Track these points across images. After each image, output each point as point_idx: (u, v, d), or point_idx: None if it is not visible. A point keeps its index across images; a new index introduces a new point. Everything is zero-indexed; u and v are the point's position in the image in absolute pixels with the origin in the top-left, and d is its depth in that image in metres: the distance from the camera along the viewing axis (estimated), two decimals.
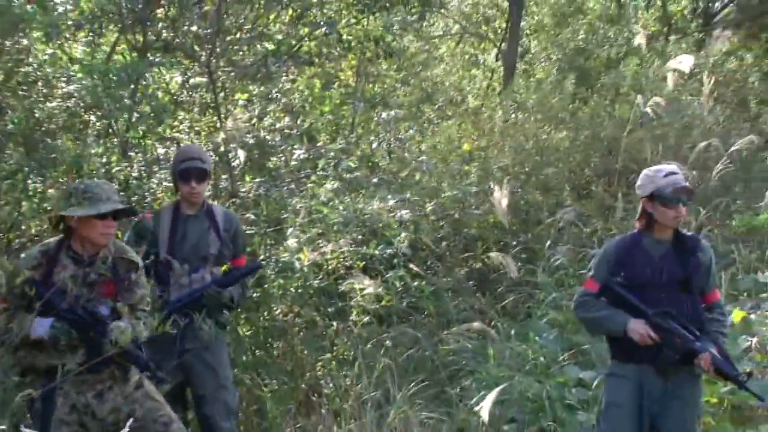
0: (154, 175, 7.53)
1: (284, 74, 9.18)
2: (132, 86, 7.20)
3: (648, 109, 8.47)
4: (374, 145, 11.07)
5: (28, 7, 6.36)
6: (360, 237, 7.99)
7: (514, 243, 8.75)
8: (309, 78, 10.11)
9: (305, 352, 7.20)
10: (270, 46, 9.10)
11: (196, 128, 8.33)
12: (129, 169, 7.34)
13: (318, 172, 8.46)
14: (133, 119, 7.59)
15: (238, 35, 8.78)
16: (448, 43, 17.54)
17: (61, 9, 7.13)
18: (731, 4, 17.52)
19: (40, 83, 6.90)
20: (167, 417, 4.53)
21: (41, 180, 6.83)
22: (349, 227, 7.83)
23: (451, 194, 9.31)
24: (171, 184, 5.87)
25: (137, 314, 4.41)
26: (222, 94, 8.47)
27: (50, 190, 6.90)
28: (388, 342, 6.99)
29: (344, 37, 10.15)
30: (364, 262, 7.76)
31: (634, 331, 4.46)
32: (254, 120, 8.36)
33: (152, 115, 7.51)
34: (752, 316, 6.12)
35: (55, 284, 4.23)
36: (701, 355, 4.35)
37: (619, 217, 8.05)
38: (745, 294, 6.95)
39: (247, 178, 8.20)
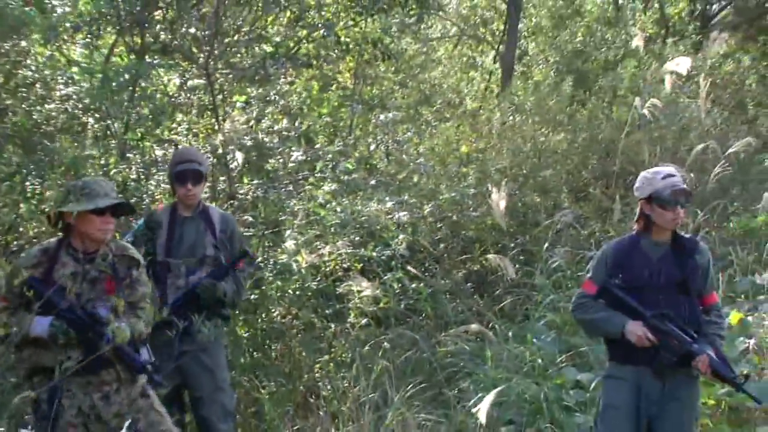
0: (152, 176, 7.53)
1: (282, 76, 9.20)
2: (130, 88, 7.21)
3: (645, 111, 8.48)
4: (372, 147, 11.07)
5: (27, 9, 6.36)
6: (358, 239, 8.00)
7: (512, 245, 8.76)
8: (307, 80, 10.13)
9: (303, 354, 7.20)
10: (268, 49, 9.11)
11: (194, 130, 8.34)
12: (127, 170, 7.34)
13: (316, 174, 8.46)
14: (131, 121, 7.59)
15: (236, 37, 8.79)
16: (446, 46, 17.56)
17: (59, 11, 7.13)
18: (729, 7, 17.56)
19: (38, 85, 6.90)
20: None
21: (39, 182, 6.83)
22: (347, 229, 7.84)
23: (449, 196, 9.32)
24: (169, 186, 5.87)
25: (137, 312, 4.40)
26: (220, 96, 8.47)
27: (48, 192, 6.91)
28: (386, 344, 6.99)
29: (342, 39, 10.16)
30: (362, 264, 7.76)
31: (632, 333, 4.47)
32: (252, 122, 8.37)
33: (150, 117, 7.51)
34: (749, 318, 6.14)
35: (56, 282, 4.23)
36: (698, 357, 4.35)
37: (616, 219, 8.06)
38: (743, 296, 6.96)
39: (245, 180, 8.20)
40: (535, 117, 10.86)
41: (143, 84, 7.49)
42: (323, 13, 9.68)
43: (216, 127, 8.12)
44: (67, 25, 7.19)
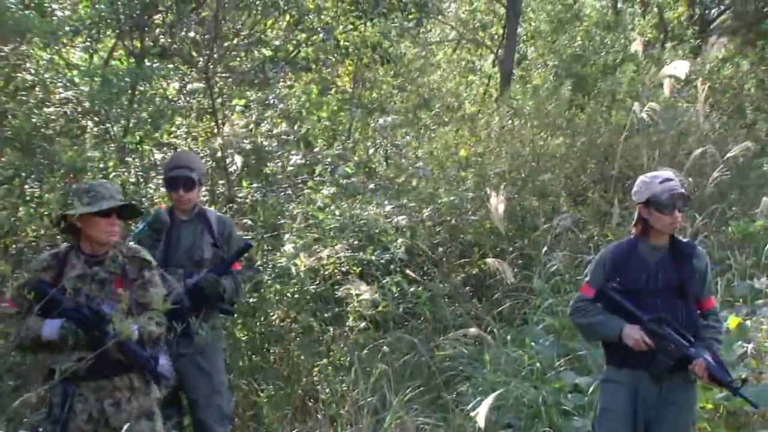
0: (151, 180, 7.54)
1: (281, 80, 9.20)
2: (129, 92, 7.22)
3: (644, 115, 8.49)
4: (371, 151, 11.08)
5: (27, 12, 6.37)
6: (357, 242, 8.00)
7: (511, 249, 8.76)
8: (306, 84, 10.13)
9: (302, 357, 7.20)
10: (267, 52, 9.12)
11: (194, 134, 8.34)
12: (126, 174, 7.35)
13: (315, 178, 8.47)
14: (131, 125, 7.60)
15: (235, 41, 8.80)
16: (445, 50, 17.56)
17: (59, 15, 7.14)
18: (727, 12, 17.58)
19: (37, 88, 6.91)
20: None
21: (39, 185, 6.84)
22: (346, 233, 7.85)
23: (448, 200, 9.32)
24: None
25: (149, 314, 4.40)
26: (219, 100, 8.48)
27: (47, 195, 6.91)
28: (384, 347, 6.99)
29: (341, 43, 10.17)
30: (360, 268, 7.76)
31: (629, 336, 4.47)
32: (251, 126, 8.37)
33: (149, 120, 7.52)
34: (748, 323, 6.14)
35: (65, 285, 4.26)
36: (695, 361, 4.36)
37: (615, 223, 8.06)
38: (741, 300, 6.96)
39: (244, 184, 8.21)
40: (534, 121, 10.86)
41: (142, 88, 7.50)
42: (322, 17, 9.69)
43: (215, 131, 8.13)
44: (67, 28, 7.19)
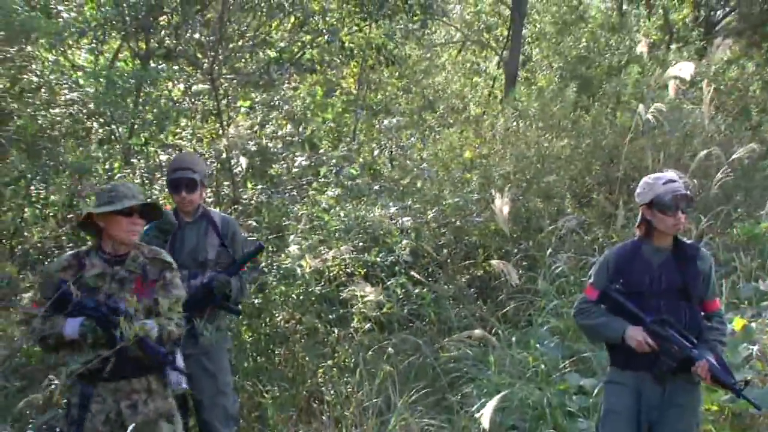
0: (157, 181, 7.55)
1: (286, 82, 9.21)
2: (134, 93, 7.23)
3: (650, 116, 8.48)
4: (376, 153, 11.08)
5: (33, 14, 6.39)
6: (361, 244, 8.01)
7: (515, 250, 8.76)
8: (311, 85, 10.14)
9: (306, 358, 7.21)
10: (272, 54, 9.13)
11: (199, 135, 8.35)
12: (131, 175, 7.36)
13: (320, 180, 8.48)
14: (136, 126, 7.61)
15: (240, 43, 8.81)
16: (449, 51, 17.58)
17: (65, 16, 7.16)
18: (733, 13, 17.57)
19: (43, 90, 6.92)
20: None
21: (44, 186, 6.86)
22: (351, 234, 7.85)
23: (453, 202, 9.32)
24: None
25: (169, 315, 4.42)
26: (224, 102, 8.49)
27: (53, 196, 6.93)
28: (389, 349, 6.99)
29: (346, 44, 10.19)
30: (365, 269, 7.77)
31: (632, 338, 4.47)
32: (256, 127, 8.38)
33: (155, 122, 7.53)
34: (753, 325, 6.13)
35: (85, 284, 4.30)
36: (698, 362, 4.35)
37: (620, 225, 8.06)
38: (746, 302, 6.96)
39: (249, 185, 8.22)
40: (539, 123, 10.86)
41: (148, 89, 7.51)
42: (327, 18, 9.70)
43: (220, 132, 8.14)
44: (73, 30, 7.21)
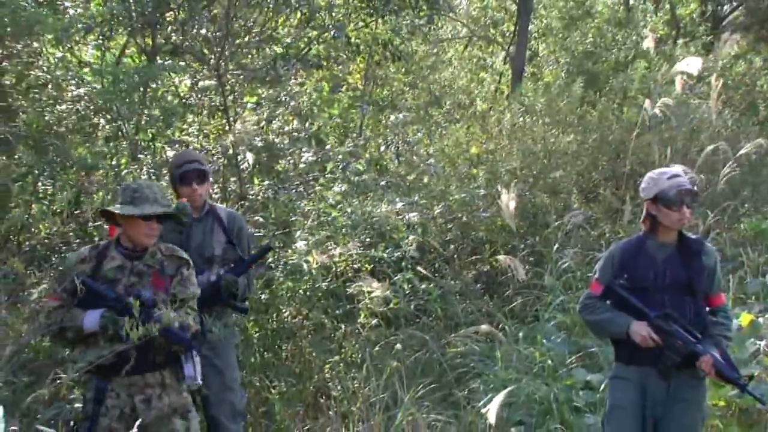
0: (163, 177, 7.55)
1: (293, 77, 9.21)
2: (141, 89, 7.23)
3: (657, 111, 8.47)
4: (382, 148, 11.09)
5: (40, 10, 6.39)
6: (368, 240, 8.01)
7: (522, 246, 8.76)
8: (317, 81, 10.14)
9: (313, 354, 7.22)
10: (279, 50, 9.13)
11: (205, 131, 8.36)
12: (138, 171, 7.36)
13: (326, 175, 8.47)
14: (143, 122, 7.61)
15: (247, 38, 8.81)
16: (456, 47, 17.56)
17: (72, 12, 7.16)
18: (740, 8, 17.52)
19: (50, 86, 6.93)
20: None
21: (51, 182, 6.87)
22: (358, 230, 7.85)
23: (459, 197, 9.32)
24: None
25: (187, 310, 4.46)
26: (231, 97, 8.49)
27: (60, 193, 6.93)
28: (396, 345, 7.00)
29: (353, 40, 10.18)
30: (372, 265, 7.77)
31: (636, 333, 4.47)
32: (263, 123, 8.38)
33: (161, 118, 7.54)
34: (760, 320, 6.12)
35: (104, 276, 4.34)
36: (702, 357, 4.35)
37: (627, 220, 8.05)
38: (753, 297, 6.95)
39: (256, 181, 8.22)
40: (546, 118, 10.85)
41: (154, 86, 7.52)
42: (334, 14, 9.69)
43: (227, 128, 8.14)
44: (79, 26, 7.21)
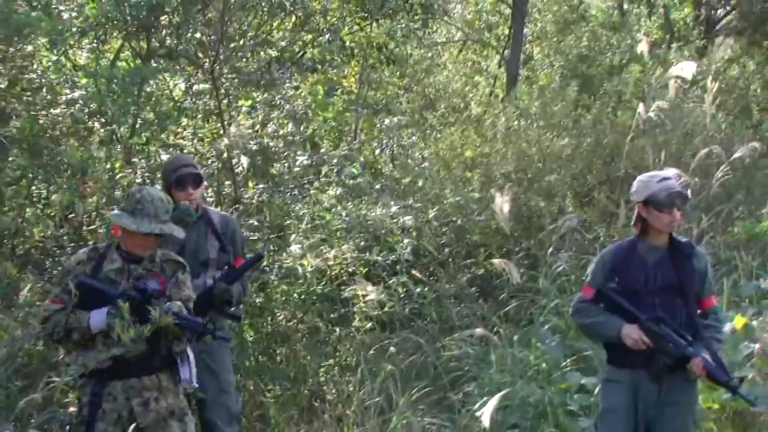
0: (158, 181, 7.55)
1: (287, 81, 9.22)
2: (136, 93, 7.23)
3: (652, 114, 8.48)
4: (377, 152, 11.10)
5: (33, 14, 6.39)
6: (363, 243, 8.01)
7: (517, 249, 8.76)
8: (312, 85, 10.15)
9: (308, 357, 7.22)
10: (273, 53, 9.14)
11: (200, 135, 8.36)
12: (132, 175, 7.37)
13: (321, 179, 8.48)
14: (137, 125, 7.62)
15: (241, 42, 8.82)
16: (450, 50, 17.57)
17: (66, 16, 7.16)
18: (733, 12, 17.55)
19: (44, 90, 6.93)
20: None
21: (46, 186, 6.87)
22: (352, 233, 7.86)
23: (454, 201, 9.33)
24: None
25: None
26: (225, 101, 8.50)
27: (54, 196, 6.93)
28: (391, 348, 7.00)
29: (347, 44, 10.19)
30: (367, 269, 7.77)
31: (628, 336, 4.47)
32: (258, 126, 8.39)
33: (156, 121, 7.54)
34: (754, 323, 6.12)
35: (105, 277, 4.34)
36: (693, 360, 4.36)
37: (621, 224, 8.05)
38: (747, 301, 6.95)
39: (251, 185, 8.23)
40: (540, 122, 10.85)
41: (149, 89, 7.52)
42: (328, 17, 9.70)
43: (221, 132, 8.15)
44: (74, 30, 7.22)
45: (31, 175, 6.74)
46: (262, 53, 9.10)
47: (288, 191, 8.32)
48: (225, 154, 7.86)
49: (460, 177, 10.30)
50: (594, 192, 10.00)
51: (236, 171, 8.03)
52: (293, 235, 7.62)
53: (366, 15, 10.18)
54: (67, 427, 4.58)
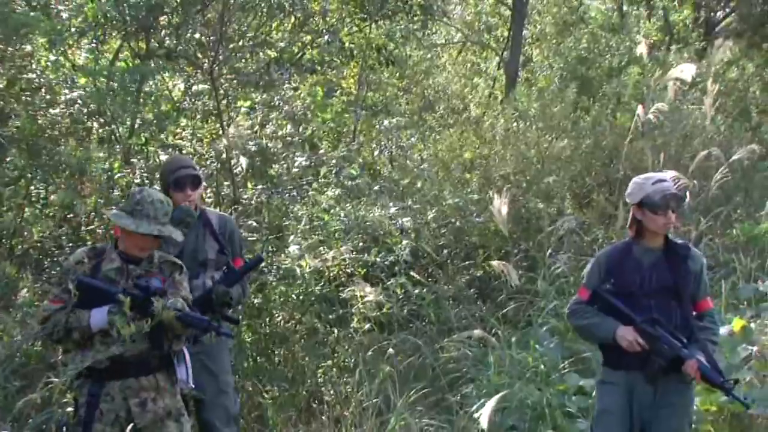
0: (157, 181, 7.55)
1: (286, 82, 9.22)
2: (135, 93, 7.23)
3: (651, 116, 8.49)
4: (376, 153, 11.10)
5: (32, 13, 6.39)
6: (361, 244, 8.02)
7: (516, 251, 8.76)
8: (311, 86, 10.15)
9: (306, 358, 7.22)
10: (272, 54, 9.14)
11: (199, 135, 8.36)
12: (131, 175, 7.37)
13: (320, 180, 8.48)
14: (136, 126, 7.61)
15: (240, 43, 8.82)
16: (450, 52, 17.57)
17: (65, 15, 7.16)
18: (733, 14, 17.56)
19: (43, 90, 6.93)
20: None
21: (44, 186, 6.86)
22: (351, 234, 7.86)
23: (453, 202, 9.32)
24: None
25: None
26: (224, 102, 8.50)
27: (53, 196, 6.93)
28: (389, 349, 6.99)
29: (346, 45, 10.19)
30: (365, 270, 7.77)
31: (622, 337, 4.48)
32: (256, 127, 8.39)
33: (155, 121, 7.54)
34: (752, 325, 6.12)
35: (104, 276, 4.33)
36: (688, 361, 4.36)
37: (620, 225, 8.04)
38: (746, 303, 6.95)
39: (249, 185, 8.23)
40: (539, 123, 10.85)
41: (148, 89, 7.52)
42: (327, 19, 9.70)
43: (220, 132, 8.14)
44: (73, 30, 7.22)
45: (29, 175, 6.74)
46: (261, 54, 9.10)
47: (287, 192, 8.32)
48: (224, 155, 7.86)
49: (459, 178, 10.30)
50: (593, 194, 10.01)
51: (235, 172, 8.03)
52: (292, 236, 7.62)
53: (365, 16, 10.18)
54: (64, 428, 4.58)
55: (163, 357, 4.41)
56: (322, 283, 7.50)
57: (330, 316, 7.58)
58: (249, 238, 7.38)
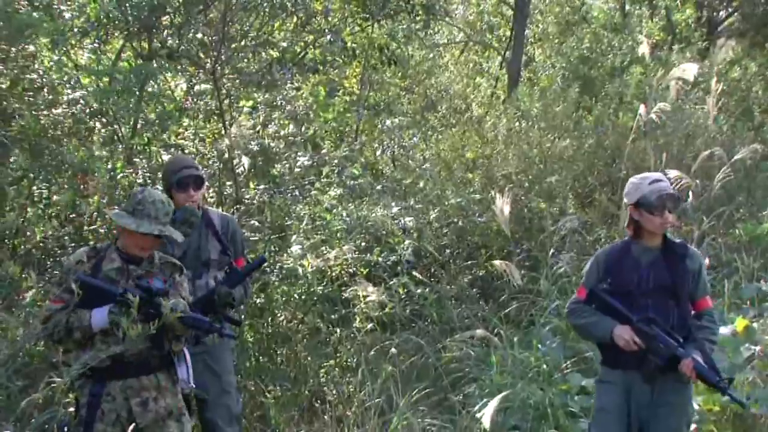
0: (159, 181, 7.55)
1: (289, 82, 9.21)
2: (137, 93, 7.23)
3: (653, 116, 8.49)
4: (378, 153, 11.10)
5: (35, 14, 6.39)
6: (364, 244, 8.02)
7: (518, 251, 8.75)
8: (314, 85, 10.15)
9: (309, 358, 7.22)
10: (275, 54, 9.13)
11: (201, 135, 8.36)
12: (134, 175, 7.37)
13: (322, 179, 8.48)
14: (138, 126, 7.61)
15: (243, 43, 8.81)
16: (452, 51, 17.56)
17: (67, 16, 7.16)
18: (735, 14, 17.55)
19: (45, 90, 6.92)
20: None
21: (47, 186, 6.86)
22: (353, 234, 7.86)
23: (455, 202, 9.33)
24: None
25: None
26: (227, 101, 8.49)
27: (56, 196, 6.93)
28: (391, 349, 6.99)
29: (349, 44, 10.18)
30: (367, 269, 7.77)
31: (619, 337, 4.49)
32: (259, 127, 8.39)
33: (157, 121, 7.54)
34: (755, 325, 6.12)
35: (105, 276, 4.34)
36: (683, 361, 4.36)
37: (622, 225, 8.04)
38: (748, 302, 6.95)
39: (252, 185, 8.22)
40: (541, 123, 10.85)
41: (150, 89, 7.52)
42: (330, 18, 9.70)
43: (223, 132, 8.14)
44: (75, 30, 7.22)
45: (32, 176, 6.73)
46: (263, 54, 9.09)
47: (289, 192, 8.32)
48: (226, 155, 7.86)
49: (461, 178, 10.30)
50: (595, 193, 10.01)
51: (237, 171, 8.03)
52: (294, 236, 7.62)
53: (367, 16, 10.17)
54: (66, 428, 4.58)
55: (163, 357, 4.42)
56: (324, 283, 7.50)
57: (332, 316, 7.59)
58: (251, 238, 7.38)
